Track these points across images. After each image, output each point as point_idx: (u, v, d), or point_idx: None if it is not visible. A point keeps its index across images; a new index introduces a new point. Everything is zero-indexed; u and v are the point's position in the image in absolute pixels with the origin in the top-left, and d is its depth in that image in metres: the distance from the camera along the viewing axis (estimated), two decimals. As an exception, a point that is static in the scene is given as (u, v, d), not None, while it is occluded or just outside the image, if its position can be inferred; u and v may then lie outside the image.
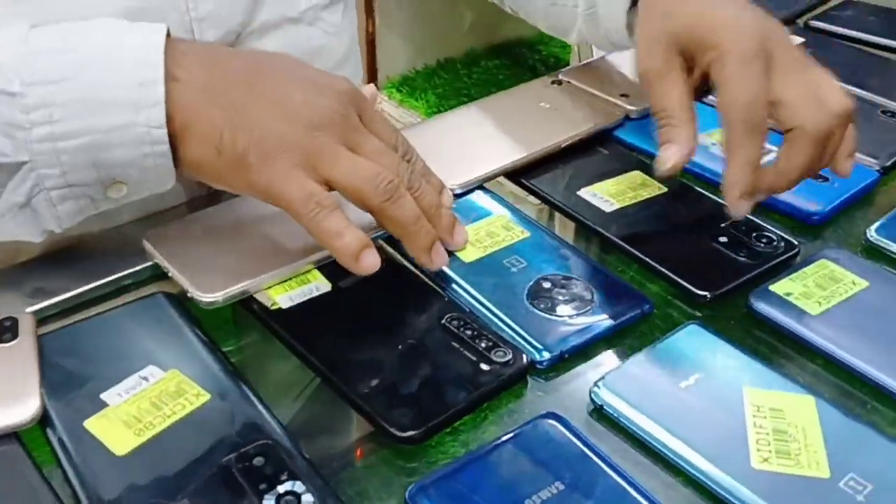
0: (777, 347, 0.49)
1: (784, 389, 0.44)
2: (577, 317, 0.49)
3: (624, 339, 0.49)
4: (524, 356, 0.47)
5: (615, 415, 0.43)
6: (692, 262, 0.54)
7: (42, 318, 0.49)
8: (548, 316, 0.49)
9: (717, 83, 0.53)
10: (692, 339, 0.47)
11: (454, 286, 0.52)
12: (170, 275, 0.52)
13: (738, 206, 0.52)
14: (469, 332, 0.48)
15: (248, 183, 0.48)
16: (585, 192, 0.60)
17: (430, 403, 0.44)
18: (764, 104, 0.51)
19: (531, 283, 0.52)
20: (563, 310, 0.50)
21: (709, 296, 0.51)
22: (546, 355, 0.47)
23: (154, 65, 0.46)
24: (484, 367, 0.46)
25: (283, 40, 0.64)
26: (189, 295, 0.50)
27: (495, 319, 0.50)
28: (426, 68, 1.57)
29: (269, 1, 0.63)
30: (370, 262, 0.48)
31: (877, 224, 0.57)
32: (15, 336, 0.46)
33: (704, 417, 0.42)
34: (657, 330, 0.49)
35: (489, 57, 1.64)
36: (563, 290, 0.51)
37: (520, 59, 1.62)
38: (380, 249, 0.52)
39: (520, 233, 0.56)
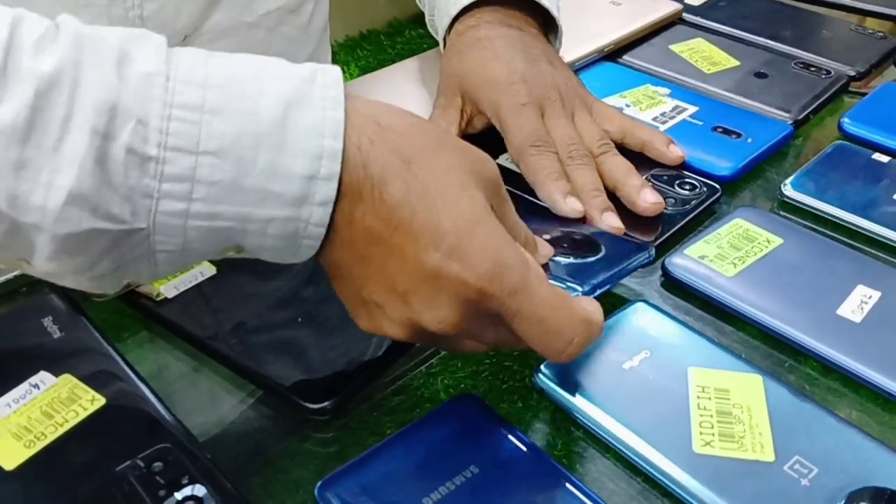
0: (693, 311, 0.48)
1: (731, 369, 0.42)
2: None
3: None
4: None
5: (557, 399, 0.42)
6: (624, 218, 0.52)
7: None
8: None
9: (501, 132, 0.57)
10: (638, 318, 0.46)
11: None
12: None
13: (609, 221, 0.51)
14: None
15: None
16: (503, 160, 0.59)
17: (338, 373, 0.43)
18: (544, 134, 0.55)
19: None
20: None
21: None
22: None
23: (333, 154, 0.35)
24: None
25: (237, 46, 0.60)
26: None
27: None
28: (348, 40, 1.53)
29: (223, 4, 0.59)
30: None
31: (791, 178, 0.56)
32: None
33: (647, 400, 0.41)
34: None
35: (413, 26, 1.60)
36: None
37: (443, 27, 1.60)
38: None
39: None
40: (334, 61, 1.46)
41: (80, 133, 0.32)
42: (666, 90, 0.66)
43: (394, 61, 1.49)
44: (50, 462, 0.39)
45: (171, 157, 0.33)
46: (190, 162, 0.34)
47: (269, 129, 0.34)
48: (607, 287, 0.45)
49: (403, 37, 1.60)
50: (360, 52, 1.54)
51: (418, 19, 1.64)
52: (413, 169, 0.36)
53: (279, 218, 0.35)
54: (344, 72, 1.40)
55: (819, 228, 0.53)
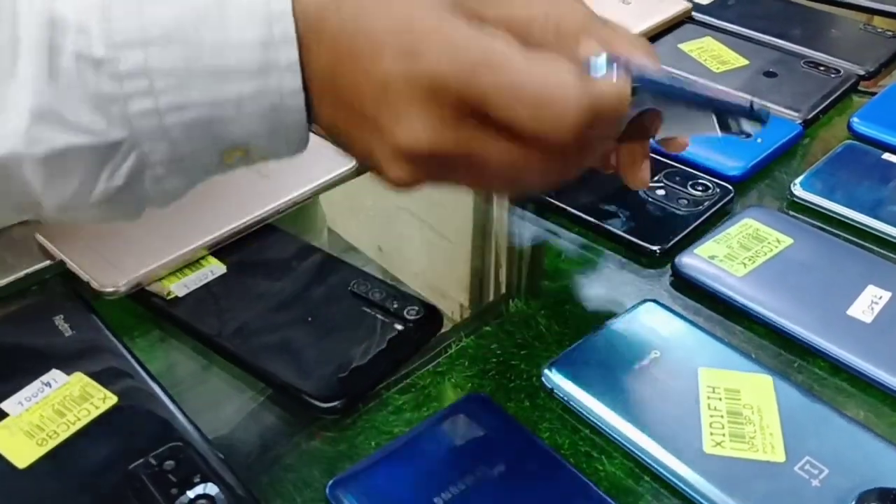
0: (703, 310, 0.48)
1: (741, 369, 0.42)
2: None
3: (579, 311, 0.48)
4: (437, 310, 0.46)
5: (566, 398, 0.42)
6: (638, 219, 0.53)
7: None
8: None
9: None
10: (648, 318, 0.46)
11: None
12: (68, 267, 0.49)
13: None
14: (378, 294, 0.47)
15: None
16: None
17: (349, 371, 0.43)
18: None
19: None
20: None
21: (658, 251, 0.51)
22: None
23: (283, 13, 0.34)
24: (398, 326, 0.45)
25: None
26: (93, 287, 0.48)
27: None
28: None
29: None
30: None
31: (800, 178, 0.56)
32: None
33: (658, 400, 0.41)
34: (611, 297, 0.49)
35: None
36: None
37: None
38: (269, 228, 0.52)
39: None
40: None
41: (29, 53, 0.33)
42: (675, 89, 0.66)
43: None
44: (62, 460, 0.39)
45: (120, 54, 0.33)
46: (140, 55, 0.33)
47: (208, 3, 0.34)
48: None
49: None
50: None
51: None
52: None
53: (247, 93, 0.34)
54: None
55: (829, 228, 0.53)
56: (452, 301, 0.56)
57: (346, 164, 0.57)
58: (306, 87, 0.35)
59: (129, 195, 0.37)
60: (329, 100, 0.35)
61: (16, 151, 0.34)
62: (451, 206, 0.63)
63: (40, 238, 0.51)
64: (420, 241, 0.61)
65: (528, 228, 0.57)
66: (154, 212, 0.52)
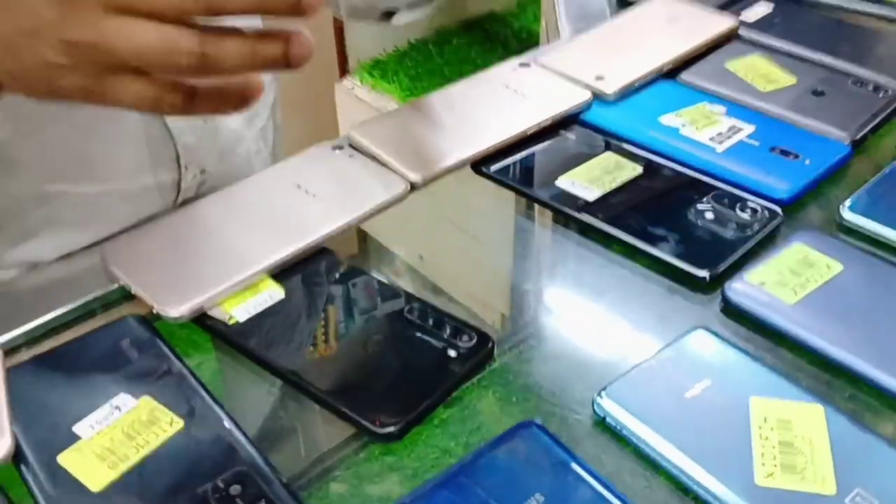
0: (754, 338, 0.48)
1: (793, 398, 0.43)
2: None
3: (627, 337, 0.49)
4: (489, 338, 0.47)
5: (617, 426, 0.43)
6: (686, 242, 0.54)
7: (10, 350, 0.49)
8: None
9: None
10: (699, 345, 0.46)
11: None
12: (133, 292, 0.51)
13: None
14: (431, 321, 0.49)
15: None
16: (563, 182, 0.60)
17: (404, 397, 0.45)
18: None
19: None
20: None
21: (707, 277, 0.51)
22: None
23: None
24: (451, 353, 0.47)
25: None
26: (155, 311, 0.49)
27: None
28: (397, 50, 1.55)
29: None
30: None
31: (849, 201, 0.56)
32: (-18, 372, 0.45)
33: (709, 429, 0.41)
34: (663, 322, 0.49)
35: (460, 34, 1.62)
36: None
37: (491, 34, 1.60)
38: (326, 250, 0.54)
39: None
40: (384, 71, 1.47)
41: None
42: (722, 109, 0.66)
43: (442, 70, 1.51)
44: (133, 484, 0.41)
45: None
46: None
47: None
48: None
49: (451, 44, 1.62)
50: (408, 62, 1.56)
51: (465, 26, 1.66)
52: None
53: None
54: (392, 81, 1.43)
55: (879, 252, 0.53)
56: (493, 312, 0.57)
57: (400, 186, 0.58)
58: None
59: None
60: None
61: None
62: (494, 217, 0.64)
63: (107, 262, 0.52)
64: (461, 251, 0.62)
65: (574, 249, 0.58)
66: (215, 238, 0.54)
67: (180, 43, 0.40)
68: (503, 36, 1.59)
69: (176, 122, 0.62)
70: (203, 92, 0.43)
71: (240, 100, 0.44)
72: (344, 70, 1.52)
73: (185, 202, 0.67)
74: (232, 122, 0.68)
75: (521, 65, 0.72)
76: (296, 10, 0.40)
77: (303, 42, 0.41)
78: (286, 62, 0.41)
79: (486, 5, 1.64)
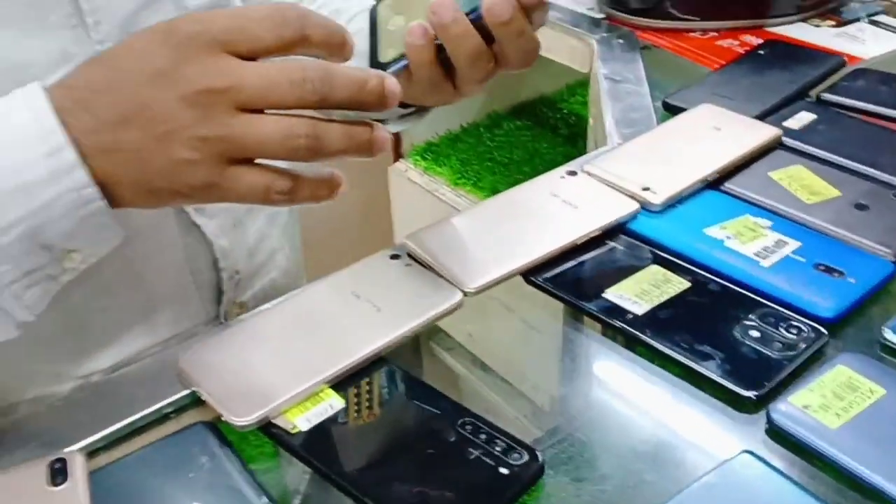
0: (799, 462, 0.50)
1: None
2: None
3: (671, 457, 0.51)
4: (539, 456, 0.49)
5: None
6: (732, 361, 0.55)
7: (89, 452, 0.52)
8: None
9: None
10: (744, 472, 0.47)
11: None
12: (204, 398, 0.54)
13: None
14: (483, 436, 0.51)
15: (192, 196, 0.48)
16: (612, 294, 0.62)
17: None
18: None
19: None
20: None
21: (753, 397, 0.53)
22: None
23: (52, 129, 0.45)
24: (503, 471, 0.49)
25: None
26: (225, 418, 0.52)
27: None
28: (449, 134, 1.60)
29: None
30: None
31: (892, 322, 0.58)
32: (65, 479, 0.48)
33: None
34: (708, 440, 0.50)
35: (511, 118, 1.66)
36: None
37: (541, 118, 1.65)
38: (384, 360, 0.56)
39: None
40: (436, 154, 1.52)
41: None
42: (767, 222, 0.68)
43: (492, 153, 1.55)
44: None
45: None
46: None
47: None
48: None
49: (502, 128, 1.67)
50: (460, 145, 1.61)
51: (516, 110, 1.70)
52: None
53: (50, 198, 0.45)
54: (444, 164, 1.46)
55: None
56: (540, 426, 0.59)
57: (455, 296, 0.61)
58: (98, 178, 0.45)
59: None
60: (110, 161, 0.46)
61: None
62: (543, 326, 0.66)
63: (181, 368, 0.56)
64: (509, 331, 0.65)
65: (621, 362, 0.60)
66: (280, 346, 0.57)
67: (297, 129, 0.46)
68: (552, 120, 1.64)
69: (209, 226, 0.66)
70: (304, 179, 0.48)
71: (330, 187, 0.50)
72: (398, 153, 1.57)
73: (237, 307, 0.71)
74: (258, 221, 0.72)
75: (569, 173, 0.75)
76: (381, 103, 0.48)
77: (383, 130, 0.49)
78: (371, 146, 0.48)
79: (536, 90, 1.69)
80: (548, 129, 1.62)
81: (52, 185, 0.45)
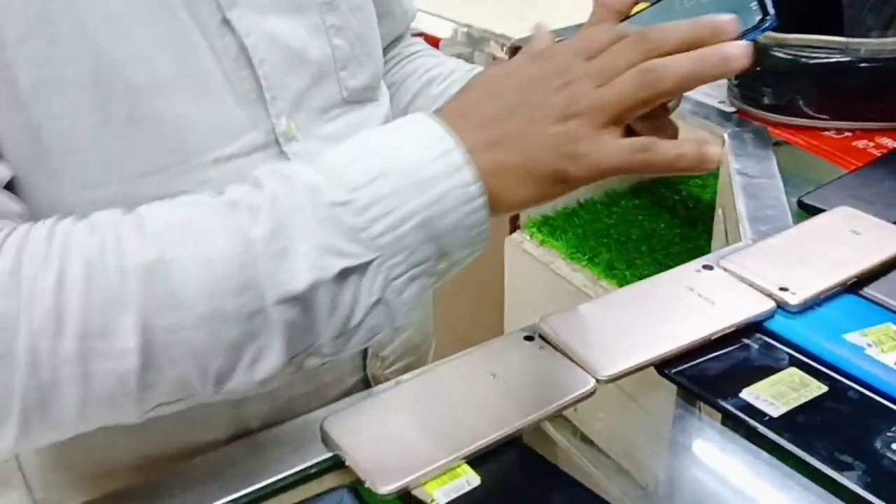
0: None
1: None
2: None
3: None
4: None
5: None
6: (872, 473, 0.54)
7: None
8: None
9: None
10: None
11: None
12: (347, 463, 0.57)
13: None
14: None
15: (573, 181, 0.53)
16: (747, 394, 0.62)
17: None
18: None
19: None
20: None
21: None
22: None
23: (442, 136, 0.52)
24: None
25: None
26: (366, 485, 0.55)
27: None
28: (566, 209, 1.62)
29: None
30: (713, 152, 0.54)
31: None
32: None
33: None
34: None
35: (628, 197, 1.67)
36: None
37: (659, 198, 1.65)
38: (517, 440, 0.58)
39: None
40: (553, 228, 1.55)
41: (296, 211, 0.49)
42: (909, 332, 0.67)
43: (608, 230, 1.56)
44: None
45: (356, 195, 0.49)
46: (370, 191, 0.49)
47: (395, 147, 0.52)
48: None
49: (619, 206, 1.68)
50: (576, 220, 1.62)
51: (634, 189, 1.71)
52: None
53: (444, 190, 0.50)
54: (560, 238, 1.47)
55: None
56: (649, 475, 0.58)
57: (588, 383, 0.62)
58: (484, 173, 0.51)
59: (382, 309, 0.51)
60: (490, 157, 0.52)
61: (316, 279, 0.49)
62: (675, 420, 0.66)
63: (326, 431, 0.58)
64: (641, 453, 0.65)
65: (756, 463, 0.59)
66: (420, 418, 0.59)
67: (645, 67, 0.52)
68: (671, 201, 1.64)
69: None
70: (663, 143, 0.53)
71: (696, 160, 0.53)
72: (515, 224, 1.60)
73: (379, 360, 0.73)
74: None
75: (705, 266, 0.76)
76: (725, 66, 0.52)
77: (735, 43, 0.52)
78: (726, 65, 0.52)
79: (656, 170, 1.69)
80: (665, 210, 1.62)
81: (444, 181, 0.50)
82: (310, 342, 0.51)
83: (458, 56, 2.36)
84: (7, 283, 0.45)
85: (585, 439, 0.86)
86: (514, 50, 1.46)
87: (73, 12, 0.50)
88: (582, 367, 0.64)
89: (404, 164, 0.50)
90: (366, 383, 0.71)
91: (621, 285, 1.43)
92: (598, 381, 0.63)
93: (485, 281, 1.62)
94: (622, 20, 0.60)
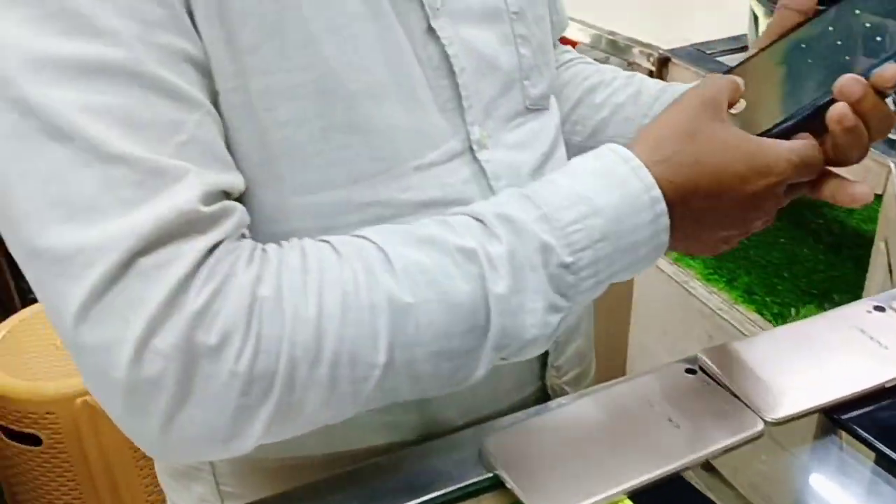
0: None
1: None
2: None
3: None
4: None
5: None
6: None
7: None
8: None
9: None
10: None
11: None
12: (507, 485, 0.57)
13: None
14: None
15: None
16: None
17: None
18: None
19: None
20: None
21: None
22: None
23: (657, 198, 0.54)
24: None
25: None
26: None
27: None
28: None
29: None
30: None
31: None
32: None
33: None
34: None
35: (770, 218, 1.61)
36: None
37: (802, 222, 1.59)
38: (679, 477, 0.57)
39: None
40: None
41: (534, 270, 0.52)
42: None
43: (748, 253, 1.51)
44: None
45: (577, 257, 0.53)
46: (589, 254, 0.53)
47: (615, 210, 0.53)
48: None
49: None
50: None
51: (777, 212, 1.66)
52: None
53: (644, 255, 0.55)
54: (696, 257, 1.40)
55: None
56: None
57: (756, 425, 0.60)
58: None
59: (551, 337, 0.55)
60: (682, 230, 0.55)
61: (538, 334, 0.53)
62: (846, 468, 0.64)
63: (486, 451, 0.59)
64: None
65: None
66: (579, 445, 0.59)
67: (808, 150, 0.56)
68: (814, 225, 1.57)
69: None
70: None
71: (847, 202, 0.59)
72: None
73: (554, 370, 0.73)
74: None
75: (876, 307, 0.73)
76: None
77: None
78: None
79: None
80: (808, 234, 1.56)
81: (648, 243, 0.54)
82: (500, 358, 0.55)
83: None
84: (273, 310, 0.47)
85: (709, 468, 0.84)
86: (663, 61, 1.43)
87: (302, 22, 0.52)
88: (749, 407, 0.62)
89: (622, 229, 0.53)
90: (543, 392, 0.71)
91: (760, 311, 1.38)
92: (766, 422, 0.61)
93: (612, 292, 1.59)
94: (804, 21, 0.60)
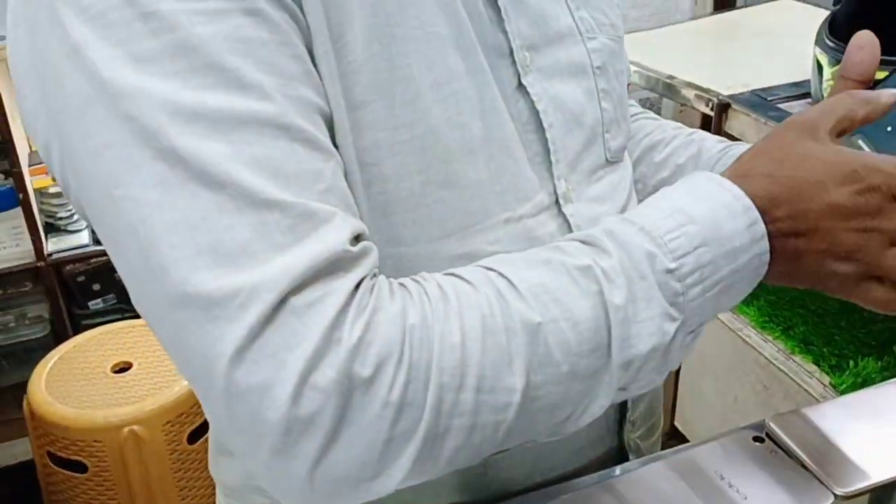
0: None
1: None
2: None
3: None
4: None
5: None
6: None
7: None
8: None
9: None
10: None
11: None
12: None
13: None
14: None
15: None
16: None
17: None
18: None
19: None
20: None
21: None
22: None
23: (749, 206, 0.52)
24: None
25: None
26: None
27: None
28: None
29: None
30: None
31: None
32: None
33: None
34: None
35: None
36: None
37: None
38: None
39: None
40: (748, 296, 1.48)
41: (630, 279, 0.51)
42: None
43: (804, 301, 1.48)
44: None
45: (680, 262, 0.51)
46: (692, 259, 0.51)
47: (711, 217, 0.52)
48: None
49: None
50: (770, 287, 1.54)
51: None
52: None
53: (745, 261, 0.52)
54: (751, 304, 1.39)
55: None
56: None
57: (826, 499, 0.58)
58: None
59: (667, 357, 0.53)
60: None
61: (657, 343, 0.51)
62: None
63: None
64: None
65: None
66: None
67: None
68: (873, 275, 1.54)
69: None
70: None
71: None
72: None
73: (630, 424, 0.71)
74: None
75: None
76: None
77: None
78: None
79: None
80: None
81: (748, 251, 0.52)
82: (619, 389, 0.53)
83: (643, 101, 2.32)
84: (421, 337, 0.47)
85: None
86: (723, 106, 1.41)
87: (410, 80, 0.53)
88: (819, 479, 0.60)
89: (720, 234, 0.52)
90: (621, 450, 0.70)
91: (816, 363, 1.35)
92: (836, 496, 0.59)
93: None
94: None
